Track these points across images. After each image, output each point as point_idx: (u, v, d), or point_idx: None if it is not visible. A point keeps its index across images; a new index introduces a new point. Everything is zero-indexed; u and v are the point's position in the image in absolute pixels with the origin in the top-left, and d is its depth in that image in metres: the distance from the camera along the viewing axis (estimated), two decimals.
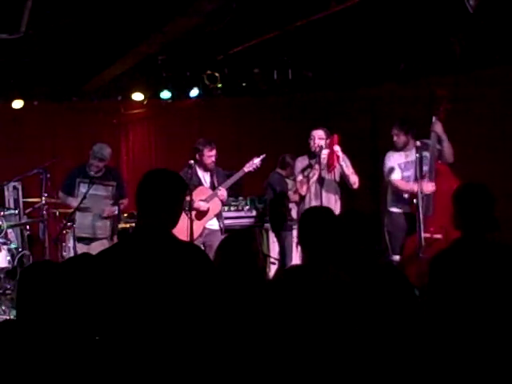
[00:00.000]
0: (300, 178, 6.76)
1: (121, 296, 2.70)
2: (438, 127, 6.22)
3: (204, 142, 6.92)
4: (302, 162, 6.83)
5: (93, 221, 6.89)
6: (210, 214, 6.86)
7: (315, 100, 9.86)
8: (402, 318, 3.11)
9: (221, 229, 7.06)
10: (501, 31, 5.94)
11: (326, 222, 3.12)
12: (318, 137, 6.56)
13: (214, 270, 2.90)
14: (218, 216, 7.03)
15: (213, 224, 7.00)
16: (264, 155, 6.93)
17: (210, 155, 6.87)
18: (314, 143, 6.55)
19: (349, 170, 6.57)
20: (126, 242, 2.95)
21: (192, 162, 6.84)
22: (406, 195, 6.50)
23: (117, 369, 2.69)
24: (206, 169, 6.94)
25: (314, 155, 6.54)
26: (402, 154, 6.61)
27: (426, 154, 6.29)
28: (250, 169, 6.87)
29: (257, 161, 6.88)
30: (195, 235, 6.51)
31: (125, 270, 2.73)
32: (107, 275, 2.75)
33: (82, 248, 6.82)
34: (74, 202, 6.86)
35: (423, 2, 5.73)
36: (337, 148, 6.50)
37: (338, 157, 6.50)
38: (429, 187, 6.17)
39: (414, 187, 6.23)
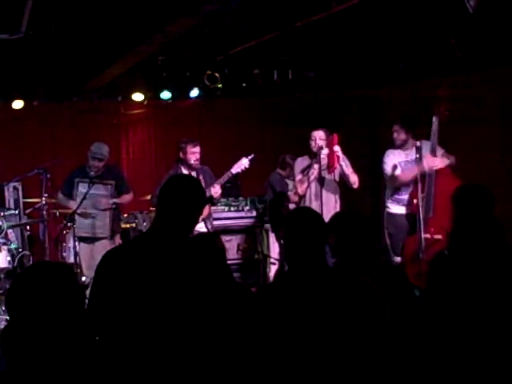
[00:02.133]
0: (299, 177, 6.75)
1: (134, 295, 2.69)
2: (434, 126, 6.24)
3: (187, 140, 6.82)
4: (302, 162, 6.83)
5: (92, 220, 6.88)
6: None
7: (315, 100, 9.86)
8: (402, 318, 3.11)
9: (208, 231, 6.92)
10: (501, 32, 5.94)
11: (312, 225, 3.04)
12: (319, 137, 6.53)
13: (229, 270, 2.91)
14: (206, 218, 6.86)
15: (201, 227, 6.85)
16: (252, 155, 6.77)
17: (193, 151, 6.73)
18: (315, 144, 6.53)
19: (348, 169, 6.56)
20: (142, 243, 2.92)
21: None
22: (405, 196, 6.51)
23: (132, 368, 2.69)
24: (190, 168, 6.79)
25: (315, 155, 6.53)
26: (401, 152, 6.62)
27: (419, 155, 6.31)
28: (239, 170, 6.74)
29: (245, 161, 6.74)
30: None
31: (141, 269, 2.73)
32: (121, 274, 2.73)
33: (85, 248, 6.81)
34: (74, 205, 6.81)
35: (423, 3, 5.72)
36: (336, 148, 6.49)
37: (338, 157, 6.49)
38: (435, 162, 6.15)
39: (415, 170, 6.26)
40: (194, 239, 3.01)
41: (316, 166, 6.48)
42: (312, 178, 6.53)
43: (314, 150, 6.54)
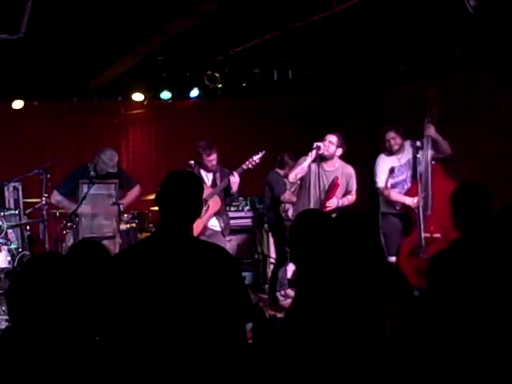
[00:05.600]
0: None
1: (145, 296, 2.68)
2: (431, 131, 6.27)
3: (204, 147, 6.95)
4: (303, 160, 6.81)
5: (99, 220, 6.87)
6: (209, 211, 6.85)
7: (315, 101, 9.86)
8: (402, 318, 3.11)
9: (222, 229, 7.05)
10: (501, 32, 5.94)
11: (321, 228, 3.05)
12: (329, 141, 6.53)
13: (239, 270, 2.90)
14: (218, 215, 6.99)
15: (215, 225, 6.99)
16: (263, 152, 6.88)
17: (209, 160, 6.90)
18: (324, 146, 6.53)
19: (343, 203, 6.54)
20: (148, 244, 2.90)
21: (192, 162, 6.89)
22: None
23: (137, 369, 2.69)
24: (207, 170, 6.97)
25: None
26: (394, 157, 6.66)
27: (419, 155, 6.33)
28: (250, 166, 6.81)
29: (256, 157, 6.83)
30: (195, 233, 6.50)
31: (152, 270, 2.72)
32: (131, 275, 2.72)
33: None
34: (74, 207, 6.76)
35: (423, 3, 5.72)
36: (331, 203, 6.43)
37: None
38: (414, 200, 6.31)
39: (406, 200, 6.42)
40: (197, 239, 2.98)
41: (310, 154, 6.45)
42: (304, 164, 6.48)
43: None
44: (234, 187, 6.82)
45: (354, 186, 6.65)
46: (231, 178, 6.77)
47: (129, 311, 2.69)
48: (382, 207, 6.77)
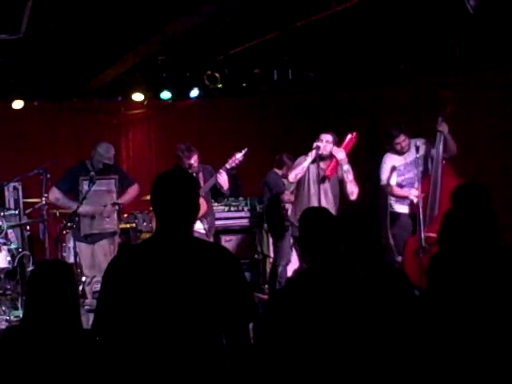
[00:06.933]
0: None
1: (149, 297, 2.67)
2: (445, 128, 6.30)
3: (183, 150, 6.84)
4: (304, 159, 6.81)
5: (98, 217, 6.81)
6: None
7: (315, 101, 9.86)
8: (402, 318, 3.11)
9: (206, 231, 6.93)
10: (501, 32, 5.95)
11: (326, 223, 3.09)
12: (325, 140, 6.53)
13: (241, 270, 2.89)
14: (203, 217, 6.82)
15: (200, 228, 6.83)
16: (246, 149, 6.77)
17: (189, 162, 6.78)
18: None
19: (348, 177, 6.44)
20: (152, 244, 2.86)
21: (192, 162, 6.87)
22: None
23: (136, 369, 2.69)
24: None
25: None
26: (400, 156, 6.67)
27: (432, 151, 6.34)
28: (233, 164, 6.74)
29: (239, 155, 6.75)
30: None
31: (154, 271, 2.70)
32: (134, 276, 2.71)
33: (85, 248, 6.78)
34: (74, 206, 6.68)
35: (423, 3, 5.73)
36: (340, 156, 6.39)
37: (335, 165, 6.44)
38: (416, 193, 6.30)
39: (408, 193, 6.45)
40: (198, 239, 2.97)
41: (310, 154, 6.45)
42: (304, 164, 6.48)
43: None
44: (225, 186, 6.71)
45: (351, 175, 6.58)
46: (219, 178, 6.66)
47: (133, 313, 2.68)
48: (391, 207, 6.80)
